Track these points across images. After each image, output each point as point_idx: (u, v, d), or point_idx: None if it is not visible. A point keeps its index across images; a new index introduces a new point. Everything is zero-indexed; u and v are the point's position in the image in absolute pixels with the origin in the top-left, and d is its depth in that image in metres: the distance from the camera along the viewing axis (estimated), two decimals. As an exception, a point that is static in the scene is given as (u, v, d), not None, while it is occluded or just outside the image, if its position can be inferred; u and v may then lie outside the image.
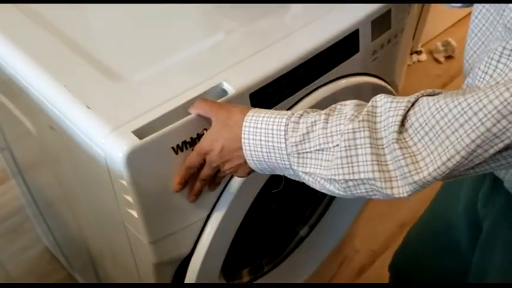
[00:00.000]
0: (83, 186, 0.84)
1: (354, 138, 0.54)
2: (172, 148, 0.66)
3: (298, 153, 0.59)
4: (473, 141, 0.48)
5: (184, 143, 0.67)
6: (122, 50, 0.79)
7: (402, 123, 0.53)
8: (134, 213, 0.69)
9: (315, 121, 0.58)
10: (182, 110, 0.67)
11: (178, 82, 0.71)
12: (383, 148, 0.53)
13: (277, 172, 0.64)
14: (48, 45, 0.78)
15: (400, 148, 0.52)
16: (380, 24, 0.87)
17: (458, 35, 2.29)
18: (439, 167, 0.50)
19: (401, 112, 0.53)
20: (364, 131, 0.54)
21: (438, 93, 0.54)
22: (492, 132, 0.47)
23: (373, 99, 0.57)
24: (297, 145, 0.58)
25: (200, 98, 0.68)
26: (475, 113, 0.47)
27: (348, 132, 0.54)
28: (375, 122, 0.54)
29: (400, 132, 0.52)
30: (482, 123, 0.47)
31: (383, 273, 1.13)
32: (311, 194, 1.19)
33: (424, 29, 2.15)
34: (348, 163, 0.55)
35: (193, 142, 0.68)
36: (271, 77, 0.73)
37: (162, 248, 0.75)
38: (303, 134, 0.58)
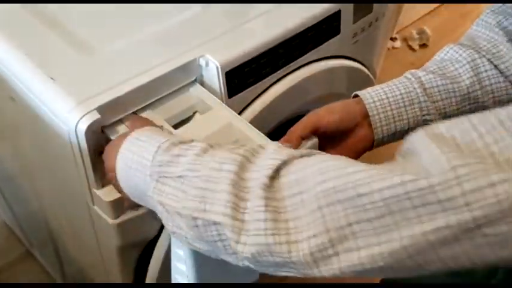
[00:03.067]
0: (45, 162, 0.80)
1: (219, 170, 0.45)
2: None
3: (159, 176, 0.48)
4: (349, 224, 0.40)
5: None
6: (91, 21, 0.74)
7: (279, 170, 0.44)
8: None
9: (194, 146, 0.48)
10: (152, 86, 0.64)
11: (150, 57, 0.67)
12: (247, 192, 0.43)
13: (142, 203, 0.55)
14: (11, 11, 0.73)
15: (266, 198, 0.42)
16: (362, 6, 0.85)
17: (433, 23, 2.30)
18: (302, 241, 0.41)
19: (284, 157, 0.44)
20: (233, 164, 0.44)
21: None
22: (373, 225, 0.39)
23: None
24: (160, 165, 0.48)
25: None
26: (359, 195, 0.39)
27: (214, 161, 0.46)
28: (250, 162, 0.45)
29: (273, 178, 0.43)
30: (364, 210, 0.39)
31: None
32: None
33: (400, 16, 2.14)
34: (202, 197, 0.45)
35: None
36: (249, 55, 0.70)
37: (128, 229, 0.72)
38: (173, 156, 0.48)
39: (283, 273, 0.44)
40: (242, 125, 0.64)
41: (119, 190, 0.61)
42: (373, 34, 0.93)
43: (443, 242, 0.37)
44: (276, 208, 0.42)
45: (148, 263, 0.79)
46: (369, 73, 0.96)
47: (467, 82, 0.63)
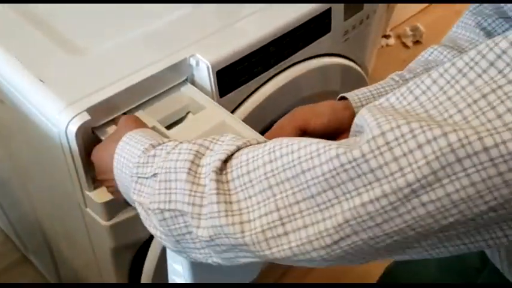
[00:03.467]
0: (36, 164, 0.80)
1: (176, 160, 0.45)
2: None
3: (138, 177, 0.49)
4: (297, 202, 0.40)
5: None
6: (80, 22, 0.74)
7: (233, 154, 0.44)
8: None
9: (167, 144, 0.49)
10: (142, 86, 0.64)
11: (140, 57, 0.67)
12: (203, 177, 0.44)
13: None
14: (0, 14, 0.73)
15: (217, 181, 0.43)
16: (352, 4, 0.85)
17: (426, 20, 2.30)
18: (254, 220, 0.41)
19: (239, 143, 0.45)
20: (188, 153, 0.45)
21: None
22: (317, 201, 0.39)
23: None
24: (138, 167, 0.49)
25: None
26: (303, 172, 0.39)
27: (173, 153, 0.46)
28: (208, 148, 0.46)
29: (226, 161, 0.44)
30: (308, 187, 0.38)
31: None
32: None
33: (393, 13, 2.14)
34: (165, 189, 0.46)
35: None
36: (240, 53, 0.70)
37: (121, 231, 0.72)
38: (149, 156, 0.49)
39: (242, 259, 0.45)
40: (235, 123, 0.64)
41: (111, 192, 0.61)
42: (365, 32, 0.93)
43: (383, 214, 0.36)
44: (227, 190, 0.43)
45: (143, 264, 0.79)
46: (360, 70, 0.96)
47: None
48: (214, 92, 0.69)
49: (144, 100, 0.66)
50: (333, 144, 0.38)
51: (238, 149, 0.45)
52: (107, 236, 0.71)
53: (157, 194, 0.46)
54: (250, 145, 0.45)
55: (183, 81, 0.69)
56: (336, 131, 0.61)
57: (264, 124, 0.82)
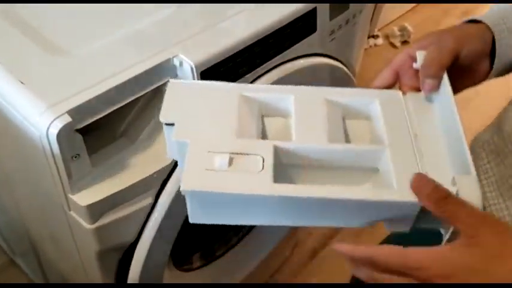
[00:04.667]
0: (19, 168, 0.79)
1: None
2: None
3: None
4: None
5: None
6: (62, 23, 0.73)
7: None
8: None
9: None
10: (124, 87, 0.63)
11: (123, 58, 0.66)
12: None
13: None
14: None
15: None
16: (338, 3, 0.84)
17: (414, 20, 2.31)
18: None
19: None
20: None
21: None
22: None
23: None
24: None
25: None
26: None
27: None
28: None
29: None
30: None
31: (335, 256, 1.12)
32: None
33: (381, 13, 2.15)
34: None
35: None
36: (225, 53, 0.69)
37: (106, 234, 0.71)
38: None
39: None
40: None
41: None
42: (351, 31, 0.92)
43: None
44: None
45: (129, 266, 0.78)
46: (347, 70, 0.95)
47: None
48: (198, 93, 0.69)
49: (127, 101, 0.65)
50: None
51: None
52: (91, 239, 0.70)
53: None
54: None
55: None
56: (482, 56, 0.56)
57: (250, 125, 0.81)
